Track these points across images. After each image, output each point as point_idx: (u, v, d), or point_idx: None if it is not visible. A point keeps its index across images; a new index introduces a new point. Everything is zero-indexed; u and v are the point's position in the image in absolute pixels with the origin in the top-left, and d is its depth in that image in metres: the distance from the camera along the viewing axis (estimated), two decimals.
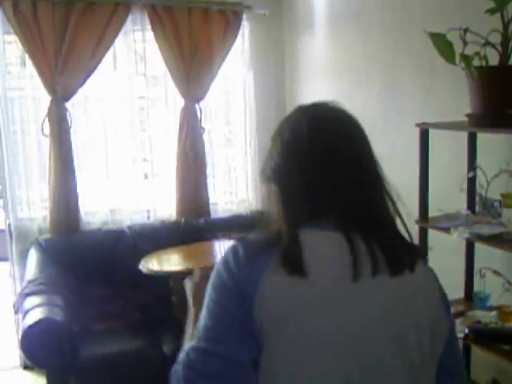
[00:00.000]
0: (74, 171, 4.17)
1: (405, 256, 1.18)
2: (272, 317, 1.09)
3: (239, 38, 4.61)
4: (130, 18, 4.24)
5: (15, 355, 4.30)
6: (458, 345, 1.29)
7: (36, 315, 3.24)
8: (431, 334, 1.16)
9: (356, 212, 1.18)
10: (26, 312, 3.32)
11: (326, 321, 1.10)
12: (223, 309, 1.11)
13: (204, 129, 4.58)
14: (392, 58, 3.60)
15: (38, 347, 3.18)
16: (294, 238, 1.13)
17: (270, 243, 1.15)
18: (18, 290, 4.05)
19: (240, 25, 4.56)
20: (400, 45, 3.52)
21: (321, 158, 1.19)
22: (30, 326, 3.14)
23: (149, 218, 4.58)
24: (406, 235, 1.23)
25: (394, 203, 1.21)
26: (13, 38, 4.01)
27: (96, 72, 4.17)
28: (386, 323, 1.13)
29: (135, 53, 4.45)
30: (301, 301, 1.10)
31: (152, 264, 3.78)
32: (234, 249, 1.16)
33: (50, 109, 4.07)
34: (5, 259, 4.47)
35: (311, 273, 1.10)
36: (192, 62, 4.37)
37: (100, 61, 4.15)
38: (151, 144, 4.63)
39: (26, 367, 4.23)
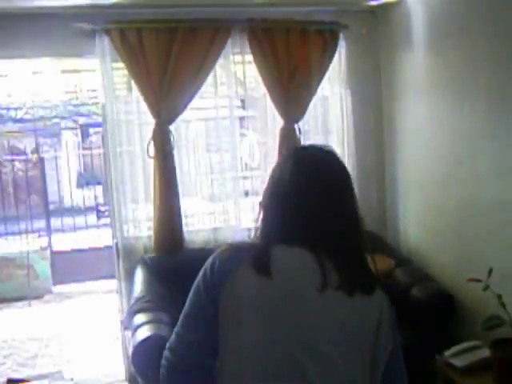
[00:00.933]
0: (177, 191, 4.28)
1: (364, 280, 1.39)
2: (237, 303, 1.35)
3: (336, 56, 4.61)
4: (229, 41, 4.32)
5: (121, 369, 4.46)
6: (401, 356, 1.46)
7: (145, 332, 3.32)
8: (376, 344, 1.36)
9: (325, 239, 1.39)
10: (136, 328, 3.42)
11: (283, 315, 1.33)
12: (195, 307, 1.44)
13: None
14: (498, 72, 3.49)
15: (147, 363, 3.25)
16: (265, 247, 1.40)
17: (244, 249, 1.44)
18: (125, 305, 4.20)
19: (337, 44, 4.56)
20: (506, 58, 3.42)
21: (297, 193, 1.43)
22: (141, 342, 3.23)
23: (249, 236, 4.61)
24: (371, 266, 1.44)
25: (363, 237, 1.43)
26: (120, 64, 4.17)
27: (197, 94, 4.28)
28: (335, 326, 1.34)
29: (235, 75, 4.53)
30: (263, 295, 1.35)
31: None
32: (212, 258, 1.44)
33: (154, 132, 4.20)
34: (112, 276, 4.66)
35: (275, 275, 1.34)
36: (291, 83, 4.41)
37: (202, 84, 4.25)
38: (251, 162, 4.69)
39: (130, 381, 4.36)
